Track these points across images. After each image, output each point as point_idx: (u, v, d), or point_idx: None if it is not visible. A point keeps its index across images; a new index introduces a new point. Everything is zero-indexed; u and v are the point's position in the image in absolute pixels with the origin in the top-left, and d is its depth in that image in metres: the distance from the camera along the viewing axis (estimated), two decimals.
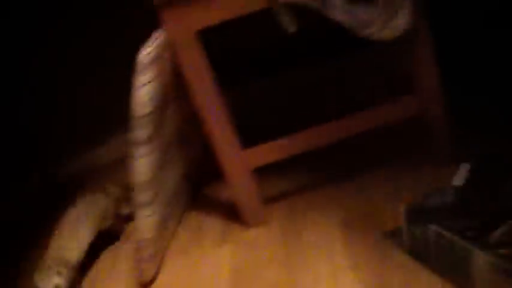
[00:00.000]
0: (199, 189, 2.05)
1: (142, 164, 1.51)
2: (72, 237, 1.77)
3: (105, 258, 1.89)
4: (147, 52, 1.43)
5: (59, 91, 2.47)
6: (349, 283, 1.40)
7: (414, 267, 1.37)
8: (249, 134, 1.71)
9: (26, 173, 2.55)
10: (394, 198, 1.63)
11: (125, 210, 1.94)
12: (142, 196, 1.55)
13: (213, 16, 1.48)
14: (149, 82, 1.44)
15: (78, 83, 2.46)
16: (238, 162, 1.64)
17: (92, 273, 1.84)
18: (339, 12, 1.43)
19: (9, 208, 2.45)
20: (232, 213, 1.82)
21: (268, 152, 1.65)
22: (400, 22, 1.46)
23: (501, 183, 1.35)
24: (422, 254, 1.35)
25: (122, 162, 2.44)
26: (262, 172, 1.74)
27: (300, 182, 1.88)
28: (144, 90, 1.44)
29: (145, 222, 1.59)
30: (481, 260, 1.17)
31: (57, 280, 1.64)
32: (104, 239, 1.90)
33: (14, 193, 2.49)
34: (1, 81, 2.42)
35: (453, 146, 1.66)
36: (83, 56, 2.39)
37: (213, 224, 1.84)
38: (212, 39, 1.72)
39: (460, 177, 1.42)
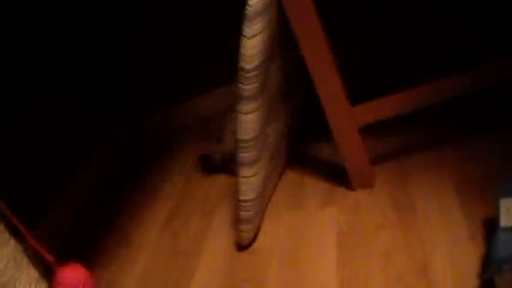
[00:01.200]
0: (300, 145, 1.96)
1: (249, 120, 1.43)
2: None
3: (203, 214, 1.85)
4: (255, 2, 1.34)
5: (158, 43, 2.43)
6: (468, 254, 1.29)
7: None
8: (359, 89, 1.60)
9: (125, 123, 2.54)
10: (505, 160, 1.50)
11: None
12: (247, 154, 1.47)
13: None
14: (258, 33, 1.35)
15: (180, 32, 2.41)
16: (346, 119, 1.53)
17: (188, 232, 1.80)
18: None
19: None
20: (335, 173, 1.73)
21: (379, 109, 1.54)
22: None
23: None
24: None
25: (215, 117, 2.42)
26: (370, 131, 1.63)
27: (411, 142, 1.75)
28: (254, 41, 1.35)
29: (249, 181, 1.52)
30: None
31: None
32: None
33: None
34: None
35: None
36: (184, 3, 2.34)
37: (315, 184, 1.75)
38: None
39: (508, 216, 1.19)
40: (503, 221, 1.17)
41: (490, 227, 1.27)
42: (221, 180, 2.01)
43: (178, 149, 2.41)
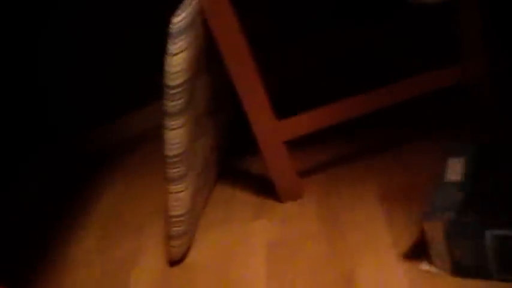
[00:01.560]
0: (231, 160, 1.98)
1: (176, 137, 1.44)
2: None
3: (134, 233, 1.84)
4: (180, 18, 1.35)
5: (89, 58, 2.42)
6: (392, 263, 1.34)
7: None
8: (284, 104, 1.63)
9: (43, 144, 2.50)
10: (434, 170, 1.56)
11: None
12: (175, 170, 1.48)
13: None
14: (183, 51, 1.36)
15: (108, 49, 2.40)
16: (272, 134, 1.56)
17: (120, 249, 1.79)
18: None
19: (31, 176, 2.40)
20: (265, 186, 1.76)
21: (304, 123, 1.57)
22: None
23: (505, 170, 1.25)
24: (474, 269, 1.21)
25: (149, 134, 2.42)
26: (297, 144, 1.67)
27: (337, 153, 1.80)
28: (178, 58, 1.36)
29: (178, 197, 1.52)
30: None
31: None
32: None
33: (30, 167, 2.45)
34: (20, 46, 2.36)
35: (499, 117, 1.58)
36: (114, 21, 2.33)
37: (245, 198, 1.77)
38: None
39: (453, 172, 1.31)
40: (447, 177, 1.29)
41: (434, 183, 1.32)
42: (153, 196, 2.01)
43: (109, 166, 2.39)
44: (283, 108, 1.61)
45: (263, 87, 1.51)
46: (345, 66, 2.04)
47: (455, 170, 1.31)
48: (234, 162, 1.97)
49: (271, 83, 1.63)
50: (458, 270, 1.23)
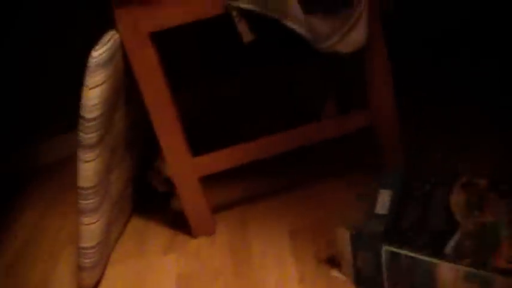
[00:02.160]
0: (146, 193, 2.00)
1: (89, 169, 1.45)
2: None
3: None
4: (99, 53, 1.38)
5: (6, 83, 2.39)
6: None
7: None
8: (198, 142, 1.67)
9: None
10: (344, 206, 1.62)
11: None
12: (86, 202, 1.49)
13: (167, 19, 1.43)
14: (100, 84, 1.39)
15: (33, 73, 2.38)
16: (187, 169, 1.60)
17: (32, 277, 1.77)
18: (298, 24, 1.42)
19: None
20: (179, 221, 1.77)
21: (218, 161, 1.61)
22: (358, 36, 1.45)
23: (425, 205, 1.37)
24: (372, 280, 1.32)
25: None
26: (210, 180, 1.70)
27: (250, 190, 1.84)
28: (94, 92, 1.38)
29: (90, 228, 1.53)
30: (447, 271, 1.18)
31: None
32: None
33: None
34: None
35: (405, 155, 1.67)
36: (41, 44, 2.31)
37: (158, 231, 1.79)
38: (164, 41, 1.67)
39: (382, 205, 1.41)
40: (378, 209, 1.39)
41: (365, 214, 1.40)
42: (70, 223, 2.00)
43: (28, 190, 2.36)
44: (196, 145, 1.65)
45: (180, 124, 1.55)
46: (260, 107, 2.11)
47: (384, 202, 1.41)
48: (150, 195, 1.99)
49: (186, 120, 1.67)
50: (361, 280, 1.35)
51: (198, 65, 2.14)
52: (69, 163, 2.41)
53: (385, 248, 1.25)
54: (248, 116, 2.09)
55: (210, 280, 1.53)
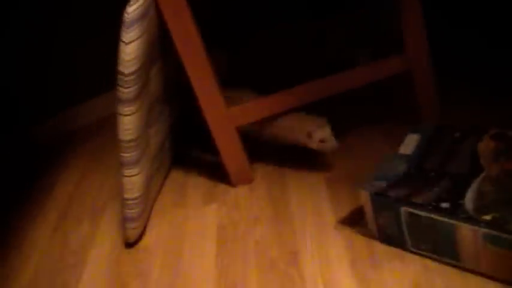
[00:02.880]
0: (186, 146, 2.04)
1: (129, 122, 1.49)
2: None
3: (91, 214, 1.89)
4: (133, 9, 1.40)
5: (40, 48, 2.44)
6: (335, 242, 1.42)
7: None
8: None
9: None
10: (379, 156, 1.64)
11: None
12: (129, 155, 1.54)
13: None
14: (136, 39, 1.42)
15: (62, 40, 2.43)
16: (223, 120, 1.63)
17: (78, 232, 1.84)
18: None
19: None
20: (217, 172, 1.82)
21: (253, 110, 1.64)
22: None
23: (452, 149, 1.36)
24: (395, 239, 1.33)
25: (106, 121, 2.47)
26: None
27: None
28: (131, 47, 1.41)
29: (132, 181, 1.58)
30: (467, 231, 1.17)
31: None
32: None
33: None
34: None
35: (440, 106, 1.68)
36: (71, 10, 2.36)
37: (198, 183, 1.84)
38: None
39: (407, 146, 1.42)
40: (400, 150, 1.42)
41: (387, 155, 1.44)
42: (111, 180, 2.06)
43: (67, 152, 2.44)
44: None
45: (214, 76, 1.58)
46: (297, 57, 2.12)
47: (409, 144, 1.42)
48: (188, 148, 2.03)
49: (222, 72, 1.69)
50: (385, 237, 1.36)
51: (230, 22, 2.16)
52: (107, 124, 2.47)
53: (404, 209, 1.25)
54: (283, 68, 2.10)
55: (249, 228, 1.57)
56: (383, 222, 1.33)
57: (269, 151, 1.84)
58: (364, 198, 1.34)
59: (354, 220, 1.47)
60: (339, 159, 1.72)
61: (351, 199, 1.54)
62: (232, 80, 1.84)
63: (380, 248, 1.35)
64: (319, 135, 1.60)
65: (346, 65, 1.71)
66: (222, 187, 1.77)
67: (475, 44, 2.00)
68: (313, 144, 1.62)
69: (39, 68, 2.48)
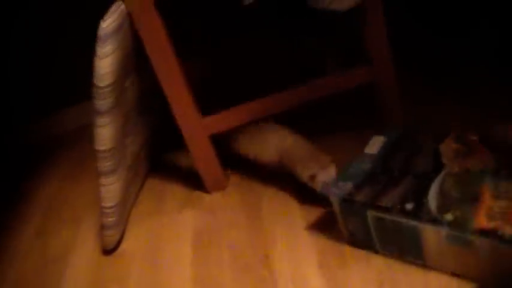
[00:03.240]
0: (161, 155, 2.09)
1: (105, 133, 1.54)
2: None
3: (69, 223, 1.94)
4: (107, 23, 1.45)
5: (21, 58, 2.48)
6: (305, 244, 1.48)
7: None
8: (208, 103, 1.75)
9: None
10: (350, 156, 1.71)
11: None
12: (105, 164, 1.59)
13: None
14: (110, 54, 1.47)
15: (41, 50, 2.46)
16: (198, 130, 1.68)
17: (59, 238, 1.88)
18: None
19: None
20: (193, 179, 1.87)
21: (226, 119, 1.70)
22: None
23: (416, 150, 1.42)
24: (364, 241, 1.38)
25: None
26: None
27: None
28: (105, 62, 1.46)
29: (109, 189, 1.63)
30: (430, 233, 1.22)
31: None
32: None
33: None
34: None
35: (404, 113, 1.75)
36: (53, 21, 2.40)
37: (174, 190, 1.89)
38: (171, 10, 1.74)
39: (372, 147, 1.48)
40: (366, 150, 1.48)
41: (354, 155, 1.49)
42: (94, 186, 2.10)
43: (47, 160, 2.47)
44: (208, 106, 1.73)
45: (187, 85, 1.63)
46: (264, 66, 2.19)
47: (375, 145, 1.48)
48: (165, 157, 2.08)
49: (195, 82, 1.75)
50: (354, 240, 1.42)
51: (202, 30, 2.21)
52: (85, 133, 2.51)
53: (370, 213, 1.31)
54: (254, 76, 2.17)
55: (224, 233, 1.63)
56: (352, 226, 1.39)
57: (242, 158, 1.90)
58: (334, 204, 1.40)
59: (324, 223, 1.53)
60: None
61: (320, 203, 1.60)
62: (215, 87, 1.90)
63: (348, 249, 1.42)
64: (322, 177, 1.54)
65: (317, 73, 1.77)
66: (197, 194, 1.83)
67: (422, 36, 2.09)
68: (316, 186, 1.55)
69: (36, 68, 2.51)
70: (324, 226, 1.52)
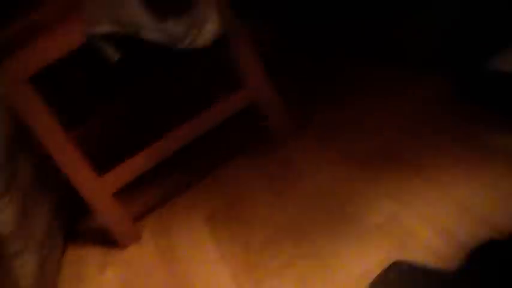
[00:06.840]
0: (76, 222, 2.10)
1: (4, 216, 1.55)
2: None
3: None
4: None
5: None
6: (220, 273, 1.52)
7: None
8: (104, 159, 1.79)
9: None
10: (249, 181, 1.77)
11: None
12: (11, 247, 1.59)
13: (36, 62, 1.54)
14: None
15: None
16: (97, 190, 1.71)
17: None
18: (154, 33, 1.53)
19: None
20: (108, 238, 1.89)
21: (124, 173, 1.73)
22: (213, 26, 1.58)
23: None
24: None
25: None
26: (125, 191, 1.82)
27: (163, 191, 2.00)
28: None
29: (20, 272, 1.63)
30: None
31: None
32: None
33: None
34: None
35: (291, 124, 1.83)
36: None
37: (92, 253, 1.91)
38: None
39: None
40: None
41: None
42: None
43: None
44: (102, 163, 1.77)
45: (80, 152, 1.66)
46: (157, 110, 2.24)
47: None
48: (81, 222, 2.09)
49: (86, 143, 1.78)
50: None
51: (87, 92, 2.25)
52: None
53: None
54: (148, 123, 2.22)
55: (146, 284, 1.65)
56: None
57: (150, 204, 1.94)
58: None
59: (236, 251, 1.58)
60: (212, 194, 1.84)
61: (229, 230, 1.65)
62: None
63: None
64: None
65: (207, 102, 1.83)
66: (115, 251, 1.85)
67: None
68: None
69: None
70: (238, 253, 1.56)
